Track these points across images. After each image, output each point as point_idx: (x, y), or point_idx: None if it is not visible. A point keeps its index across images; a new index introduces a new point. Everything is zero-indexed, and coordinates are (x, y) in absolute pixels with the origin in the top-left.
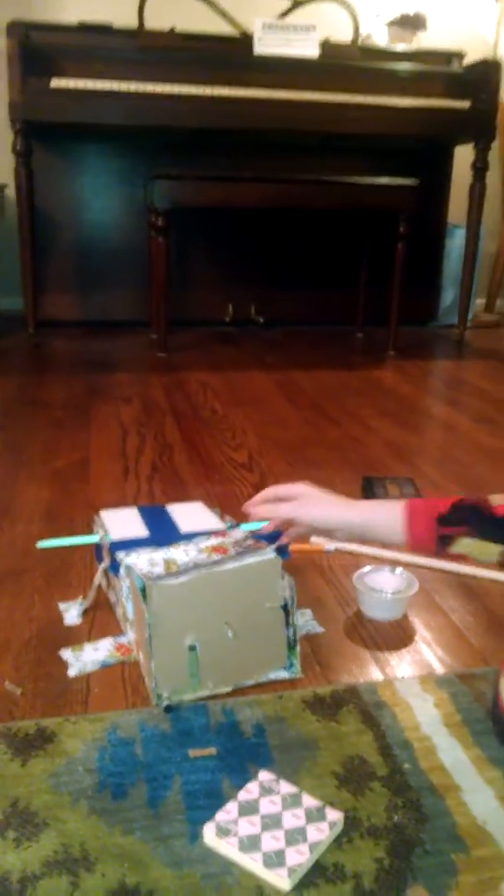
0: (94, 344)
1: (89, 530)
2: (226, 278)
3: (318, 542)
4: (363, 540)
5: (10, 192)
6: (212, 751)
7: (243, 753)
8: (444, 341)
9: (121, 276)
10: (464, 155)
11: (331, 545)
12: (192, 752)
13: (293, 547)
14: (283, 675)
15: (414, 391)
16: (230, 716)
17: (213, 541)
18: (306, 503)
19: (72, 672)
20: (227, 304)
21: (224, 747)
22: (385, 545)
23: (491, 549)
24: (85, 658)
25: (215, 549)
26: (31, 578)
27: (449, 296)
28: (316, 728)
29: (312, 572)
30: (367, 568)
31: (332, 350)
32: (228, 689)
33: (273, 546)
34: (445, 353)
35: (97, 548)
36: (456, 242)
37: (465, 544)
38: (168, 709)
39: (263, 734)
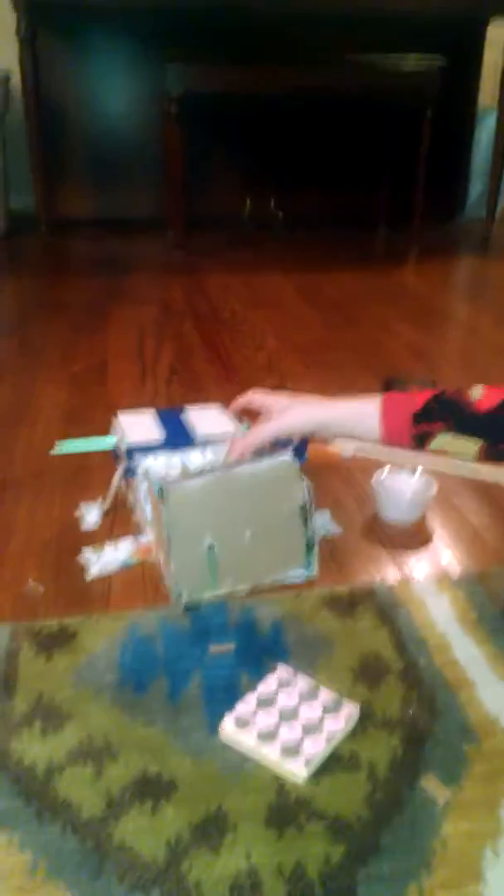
0: (110, 244)
1: (106, 430)
2: (244, 173)
3: (336, 444)
4: (344, 437)
5: (15, 81)
6: (231, 647)
7: (261, 649)
8: (470, 237)
9: (136, 170)
10: (496, 36)
11: (349, 450)
12: (212, 648)
13: (312, 450)
14: (300, 575)
15: (436, 292)
16: (248, 614)
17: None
18: (286, 414)
19: (93, 572)
20: (244, 200)
21: (242, 644)
22: (364, 441)
23: (469, 446)
24: (106, 558)
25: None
26: (51, 480)
27: (477, 188)
28: (333, 625)
29: (331, 475)
30: (387, 470)
31: (352, 249)
32: (246, 588)
33: (289, 448)
34: (471, 250)
35: (115, 450)
36: (486, 130)
37: (443, 441)
38: (188, 608)
39: (281, 631)
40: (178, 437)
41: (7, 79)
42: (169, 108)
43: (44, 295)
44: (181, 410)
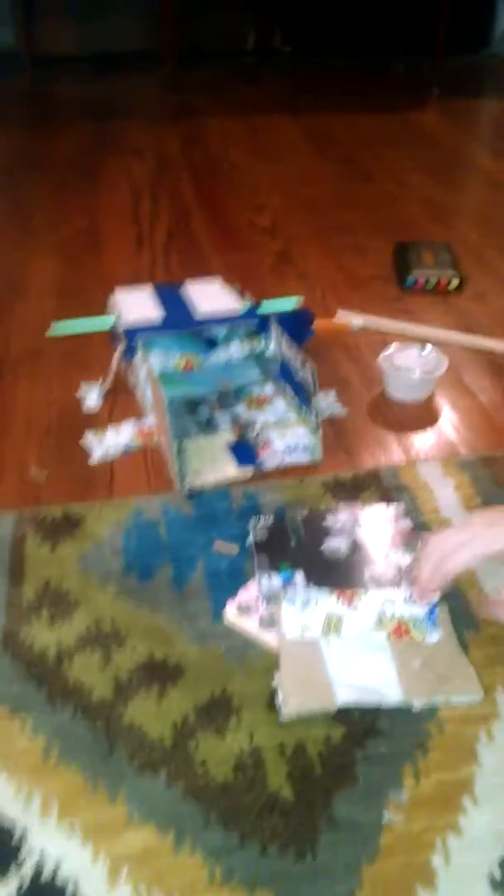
0: (99, 85)
1: (104, 308)
2: None
3: (343, 317)
4: None
5: None
6: (234, 549)
7: None
8: (498, 75)
9: None
10: None
11: (357, 321)
12: (217, 546)
13: (318, 324)
14: (304, 458)
15: (458, 139)
16: (252, 500)
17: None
18: (477, 540)
19: (95, 457)
20: (248, 30)
21: (246, 530)
22: None
23: None
24: (108, 443)
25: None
26: (48, 360)
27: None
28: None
29: (338, 351)
30: (394, 346)
31: (367, 87)
32: (249, 472)
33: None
34: (498, 90)
35: (113, 330)
36: None
37: None
38: (191, 494)
39: (283, 513)
40: (177, 316)
41: None
42: None
43: (28, 147)
44: (180, 285)
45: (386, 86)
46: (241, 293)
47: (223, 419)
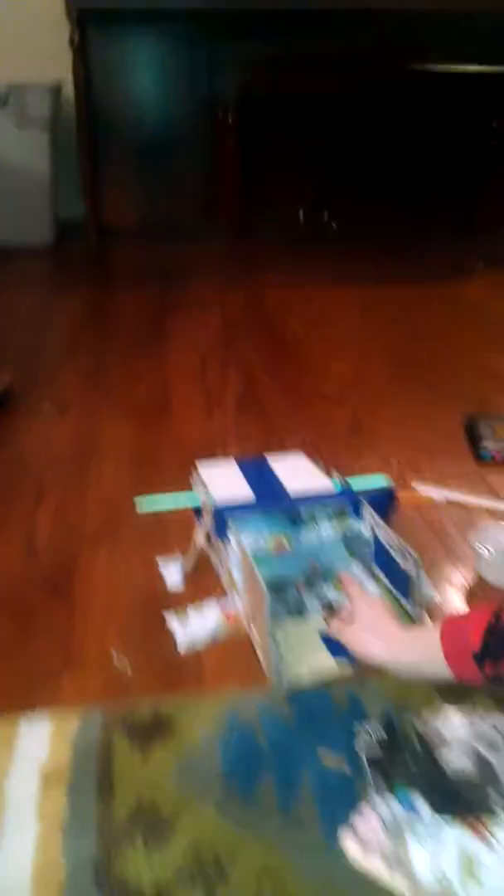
0: (162, 253)
1: (178, 473)
2: (296, 180)
3: (423, 490)
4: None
5: (67, 89)
6: (343, 762)
7: None
8: None
9: (185, 176)
10: None
11: (439, 495)
12: (324, 758)
13: (402, 496)
14: None
15: None
16: (355, 700)
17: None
18: (354, 638)
19: (181, 648)
20: (297, 209)
21: (351, 734)
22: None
23: None
24: (193, 628)
25: None
26: (127, 533)
27: None
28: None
29: (422, 527)
30: (486, 525)
31: (418, 260)
32: (348, 667)
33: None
34: None
35: (197, 507)
36: None
37: None
38: (289, 693)
39: (394, 723)
40: (267, 494)
41: (59, 88)
42: (222, 113)
43: (96, 311)
44: (263, 460)
45: (436, 260)
46: (328, 470)
47: (312, 601)
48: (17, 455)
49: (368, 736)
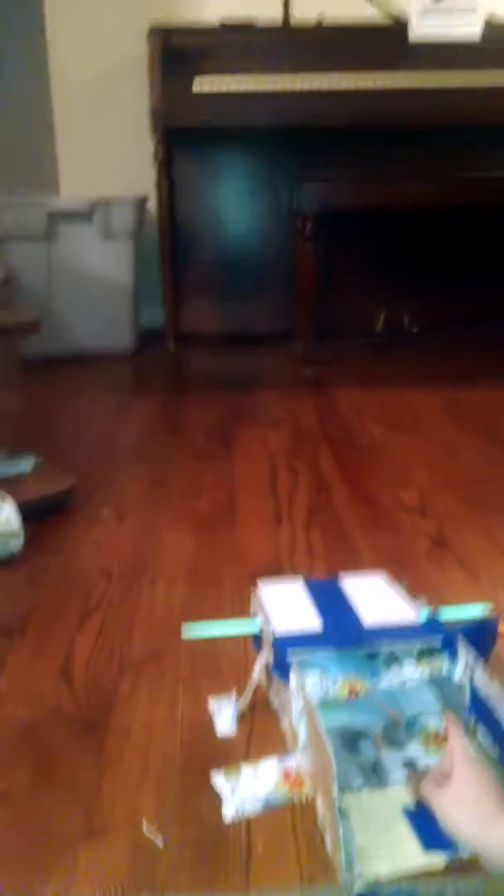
0: (236, 358)
1: (238, 594)
2: (376, 288)
3: None
4: None
5: (151, 203)
6: None
7: None
8: None
9: (262, 285)
10: None
11: None
12: None
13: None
14: None
15: None
16: None
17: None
18: (445, 796)
19: (227, 814)
20: (377, 313)
21: None
22: None
23: None
24: (243, 791)
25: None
26: (174, 663)
27: None
28: None
29: None
30: None
31: (500, 360)
32: (441, 861)
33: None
34: None
35: (256, 635)
36: None
37: None
38: (363, 895)
39: None
40: (338, 623)
41: (144, 201)
42: (303, 228)
43: (167, 417)
44: (335, 580)
45: None
46: (413, 594)
47: (393, 764)
48: (69, 564)
49: None
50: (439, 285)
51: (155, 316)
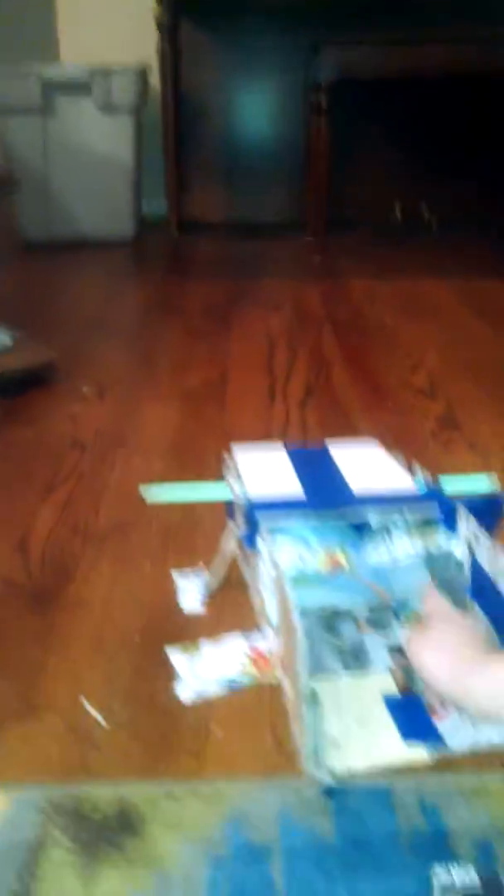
0: (242, 246)
1: (220, 466)
2: (392, 171)
3: None
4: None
5: (154, 76)
6: None
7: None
8: None
9: (273, 170)
10: None
11: None
12: None
13: None
14: None
15: None
16: (433, 815)
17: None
18: (424, 642)
19: (185, 695)
20: (392, 202)
21: (422, 878)
22: None
23: None
24: (205, 669)
25: None
26: (143, 536)
27: None
28: None
29: None
30: None
31: None
32: (426, 755)
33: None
34: None
35: (230, 503)
36: None
37: None
38: (330, 791)
39: (491, 856)
40: (323, 491)
41: (145, 71)
42: (317, 99)
43: (165, 299)
44: (322, 448)
45: None
46: (409, 464)
47: (377, 649)
48: (41, 437)
49: (451, 882)
50: (465, 175)
51: (157, 205)
